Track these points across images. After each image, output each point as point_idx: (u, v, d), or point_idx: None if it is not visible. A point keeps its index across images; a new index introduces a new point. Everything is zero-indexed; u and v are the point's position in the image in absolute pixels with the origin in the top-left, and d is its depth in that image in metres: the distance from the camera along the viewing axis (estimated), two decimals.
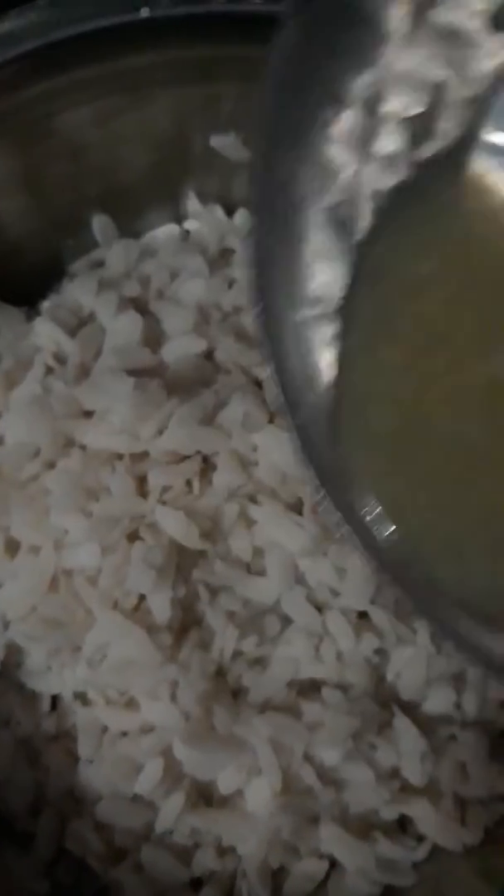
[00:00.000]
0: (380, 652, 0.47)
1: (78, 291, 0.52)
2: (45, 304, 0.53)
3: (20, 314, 0.53)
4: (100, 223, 0.56)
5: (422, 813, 0.45)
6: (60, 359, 0.50)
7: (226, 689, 0.46)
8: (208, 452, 0.47)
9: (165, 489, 0.47)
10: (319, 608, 0.47)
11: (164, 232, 0.57)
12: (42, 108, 0.49)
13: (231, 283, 0.54)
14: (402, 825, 0.47)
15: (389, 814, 0.46)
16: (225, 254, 0.57)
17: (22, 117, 0.49)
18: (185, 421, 0.47)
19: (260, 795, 0.44)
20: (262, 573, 0.47)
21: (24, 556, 0.45)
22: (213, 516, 0.46)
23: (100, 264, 0.57)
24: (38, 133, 0.50)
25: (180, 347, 0.50)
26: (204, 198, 0.57)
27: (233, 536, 0.47)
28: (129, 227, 0.57)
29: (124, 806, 0.45)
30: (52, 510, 0.45)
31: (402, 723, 0.45)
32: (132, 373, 0.48)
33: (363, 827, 0.46)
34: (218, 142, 0.53)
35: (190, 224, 0.58)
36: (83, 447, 0.46)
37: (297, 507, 0.47)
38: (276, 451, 0.47)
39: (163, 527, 0.44)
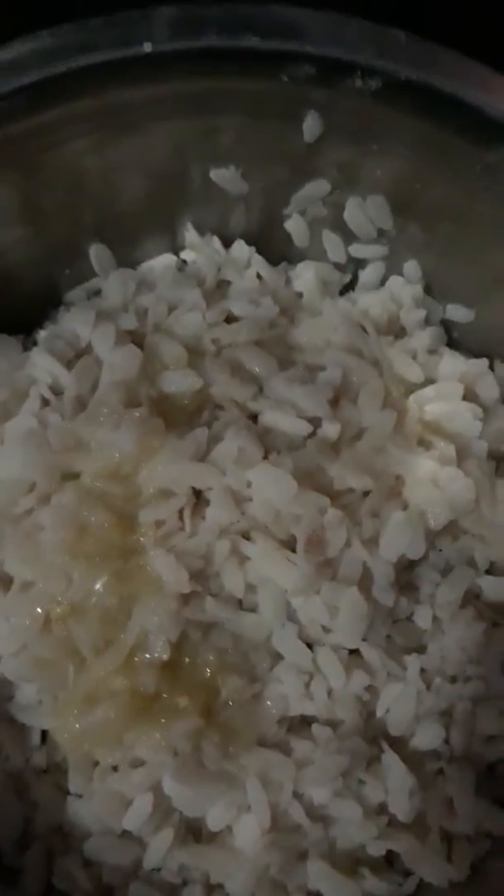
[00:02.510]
0: (369, 689, 0.47)
1: (75, 322, 0.52)
2: (42, 334, 0.53)
3: (16, 343, 0.53)
4: (97, 252, 0.56)
5: (408, 848, 0.46)
6: (56, 391, 0.50)
7: (215, 725, 0.46)
8: (202, 487, 0.47)
9: (158, 524, 0.47)
10: (310, 645, 0.47)
11: (161, 262, 0.58)
12: (41, 139, 0.49)
13: (227, 317, 0.54)
14: (389, 860, 0.47)
15: (377, 849, 0.46)
16: (221, 285, 0.57)
17: (21, 147, 0.49)
18: (180, 456, 0.47)
19: (249, 832, 0.44)
20: (253, 609, 0.47)
21: (16, 592, 0.45)
22: (205, 554, 0.46)
23: (96, 293, 0.57)
24: (36, 163, 0.50)
25: (176, 383, 0.50)
26: (201, 229, 0.58)
27: (225, 573, 0.47)
28: (126, 256, 0.57)
29: (113, 842, 0.45)
30: (46, 546, 0.44)
31: (390, 759, 0.46)
32: (129, 406, 0.48)
33: (350, 863, 0.46)
34: (217, 175, 0.54)
35: (187, 254, 0.58)
36: (78, 482, 0.46)
37: (290, 545, 0.47)
38: (270, 487, 0.47)
39: (155, 569, 0.44)
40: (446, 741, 0.47)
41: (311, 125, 0.50)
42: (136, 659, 0.44)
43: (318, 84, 0.47)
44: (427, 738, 0.47)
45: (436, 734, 0.47)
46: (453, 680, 0.48)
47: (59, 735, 0.45)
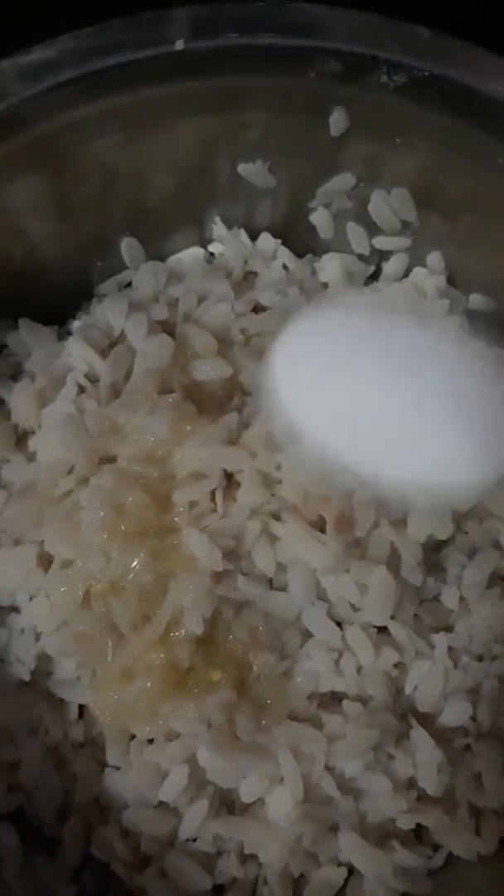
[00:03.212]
0: (398, 666, 0.48)
1: (108, 312, 0.53)
2: (76, 324, 0.55)
3: (51, 333, 0.55)
4: (128, 246, 0.58)
5: (437, 822, 0.47)
6: (91, 378, 0.51)
7: (248, 699, 0.47)
8: (233, 470, 0.49)
9: (192, 504, 0.48)
10: (339, 623, 0.48)
11: (190, 255, 0.59)
12: (75, 136, 0.51)
13: (255, 307, 0.55)
14: (418, 834, 0.48)
15: (406, 823, 0.47)
16: (248, 277, 0.59)
17: (56, 143, 0.51)
18: (212, 440, 0.48)
19: (281, 804, 0.46)
20: (283, 589, 0.48)
21: (56, 570, 0.47)
22: (236, 534, 0.48)
23: (127, 285, 0.58)
24: (70, 159, 0.52)
25: (206, 370, 0.51)
26: (228, 222, 0.59)
27: (256, 552, 0.48)
28: (156, 249, 0.59)
29: (149, 813, 0.46)
30: (85, 526, 0.46)
31: (419, 734, 0.47)
32: (162, 393, 0.49)
33: (381, 836, 0.47)
34: (245, 169, 0.55)
35: (214, 247, 0.60)
36: (114, 465, 0.48)
37: (319, 525, 0.48)
38: (299, 469, 0.48)
39: (189, 548, 0.46)
40: (473, 718, 0.48)
41: (337, 120, 0.51)
42: (171, 634, 0.45)
43: (345, 80, 0.49)
44: (455, 714, 0.48)
45: (463, 711, 0.48)
46: (480, 658, 0.49)
47: (97, 709, 0.47)
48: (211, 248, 0.60)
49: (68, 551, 0.47)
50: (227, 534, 0.48)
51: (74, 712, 0.48)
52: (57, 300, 0.57)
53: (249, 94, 0.51)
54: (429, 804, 0.47)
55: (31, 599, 0.48)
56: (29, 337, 0.54)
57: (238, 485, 0.49)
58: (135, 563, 0.46)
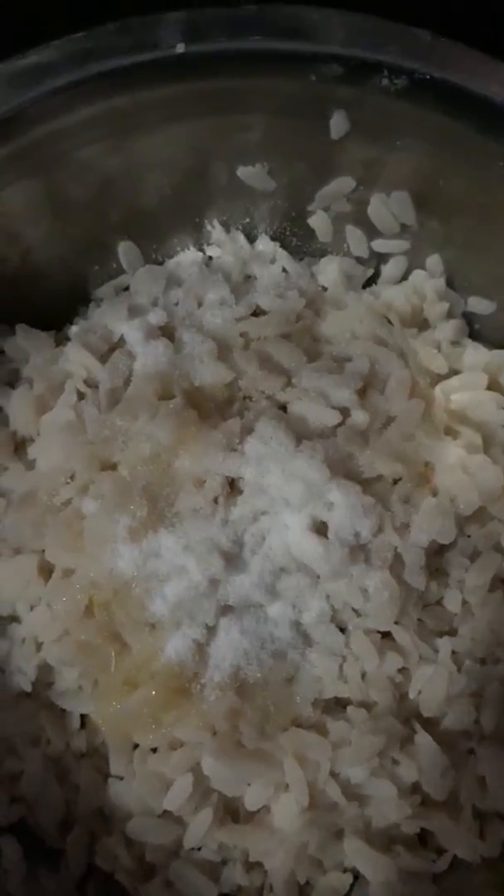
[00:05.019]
0: (402, 671, 0.48)
1: (107, 317, 0.53)
2: (74, 329, 0.55)
3: (49, 339, 0.54)
4: (125, 250, 0.57)
5: (442, 826, 0.47)
6: (91, 384, 0.51)
7: (251, 706, 0.47)
8: (235, 476, 0.49)
9: (194, 511, 0.48)
10: (342, 628, 0.48)
11: (187, 257, 0.59)
12: (73, 139, 0.51)
13: (254, 311, 0.55)
14: (423, 838, 0.48)
15: (411, 828, 0.47)
16: (247, 280, 0.58)
17: (54, 147, 0.50)
18: (214, 446, 0.48)
19: (287, 811, 0.45)
20: (285, 593, 0.48)
21: (57, 579, 0.46)
22: (238, 539, 0.48)
23: (125, 289, 0.58)
24: (67, 163, 0.52)
25: (206, 375, 0.51)
26: (226, 225, 0.59)
27: (258, 558, 0.48)
28: (153, 252, 0.59)
29: (154, 822, 0.46)
30: (86, 534, 0.46)
31: (423, 739, 0.47)
32: (162, 398, 0.49)
33: (385, 841, 0.47)
34: (245, 172, 0.55)
35: (212, 250, 0.59)
36: (115, 472, 0.47)
37: (322, 531, 0.48)
38: (301, 475, 0.48)
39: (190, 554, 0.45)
40: (477, 721, 0.48)
41: (337, 123, 0.51)
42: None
43: (346, 83, 0.49)
44: (458, 718, 0.48)
45: (467, 714, 0.48)
46: (483, 662, 0.49)
47: (99, 719, 0.46)
48: (209, 251, 0.59)
49: (70, 560, 0.46)
50: (228, 539, 0.47)
51: (76, 722, 0.48)
52: (54, 305, 0.56)
53: (249, 98, 0.51)
54: (433, 808, 0.47)
55: (31, 609, 0.48)
56: (26, 343, 0.54)
57: (240, 491, 0.49)
58: (136, 573, 0.45)
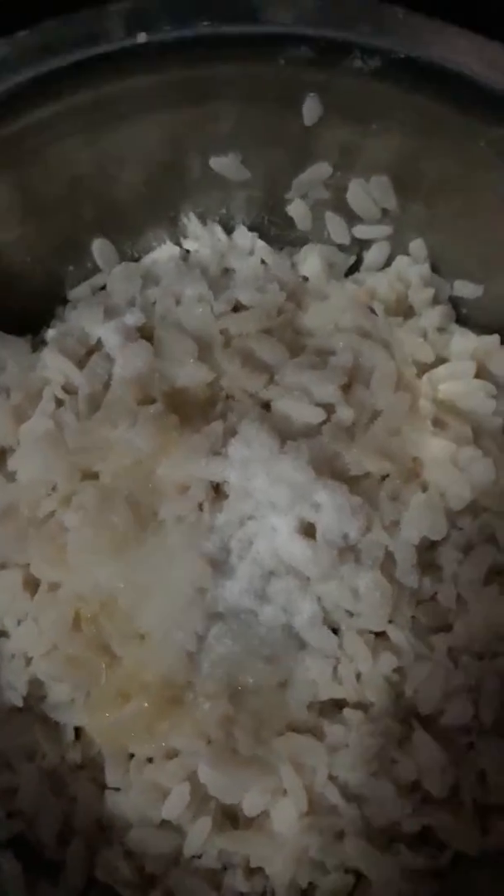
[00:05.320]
0: (398, 670, 0.47)
1: (83, 319, 0.51)
2: (51, 333, 0.53)
3: (25, 345, 0.53)
4: (100, 247, 0.56)
5: (443, 822, 0.46)
6: (69, 390, 0.50)
7: (245, 711, 0.46)
8: (219, 481, 0.48)
9: (179, 518, 0.47)
10: (335, 630, 0.47)
11: (164, 253, 0.57)
12: (39, 136, 0.49)
13: (234, 306, 0.54)
14: (424, 835, 0.48)
15: (411, 826, 0.47)
16: (226, 273, 0.57)
17: (19, 145, 0.49)
18: (197, 451, 0.47)
19: (286, 816, 0.45)
20: (276, 597, 0.47)
21: (43, 593, 0.46)
22: (225, 545, 0.47)
23: (101, 289, 0.56)
24: (35, 160, 0.50)
25: (187, 376, 0.50)
26: (202, 217, 0.57)
27: (246, 562, 0.47)
28: (129, 249, 0.57)
29: (153, 832, 0.46)
30: (71, 547, 0.45)
31: (421, 737, 0.46)
32: (142, 402, 0.48)
33: (386, 840, 0.47)
34: (217, 163, 0.53)
35: (189, 244, 0.57)
36: (97, 481, 0.46)
37: (310, 532, 0.47)
38: (287, 476, 0.47)
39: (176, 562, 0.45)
40: (475, 716, 0.48)
41: (310, 108, 0.49)
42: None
43: (316, 66, 0.47)
44: (457, 714, 0.47)
45: (465, 710, 0.47)
46: (480, 657, 0.49)
47: (93, 731, 0.46)
48: (186, 245, 0.58)
49: (55, 574, 0.45)
50: (215, 545, 0.47)
51: (70, 734, 0.47)
52: (28, 307, 0.55)
53: (217, 85, 0.49)
54: (434, 805, 0.47)
55: (19, 624, 0.47)
56: (2, 349, 0.52)
57: (225, 495, 0.48)
58: (123, 584, 0.44)
